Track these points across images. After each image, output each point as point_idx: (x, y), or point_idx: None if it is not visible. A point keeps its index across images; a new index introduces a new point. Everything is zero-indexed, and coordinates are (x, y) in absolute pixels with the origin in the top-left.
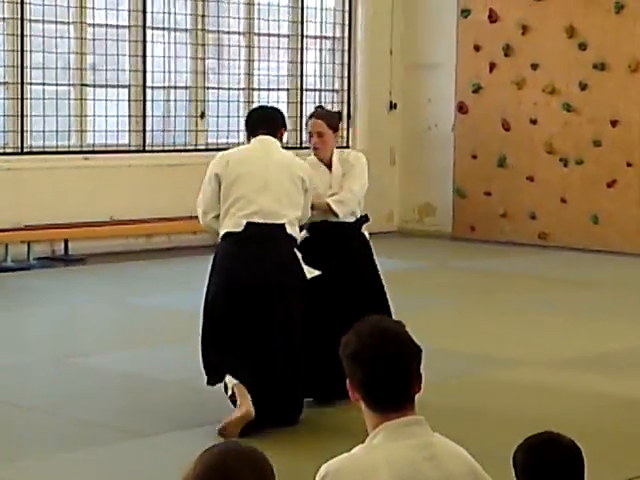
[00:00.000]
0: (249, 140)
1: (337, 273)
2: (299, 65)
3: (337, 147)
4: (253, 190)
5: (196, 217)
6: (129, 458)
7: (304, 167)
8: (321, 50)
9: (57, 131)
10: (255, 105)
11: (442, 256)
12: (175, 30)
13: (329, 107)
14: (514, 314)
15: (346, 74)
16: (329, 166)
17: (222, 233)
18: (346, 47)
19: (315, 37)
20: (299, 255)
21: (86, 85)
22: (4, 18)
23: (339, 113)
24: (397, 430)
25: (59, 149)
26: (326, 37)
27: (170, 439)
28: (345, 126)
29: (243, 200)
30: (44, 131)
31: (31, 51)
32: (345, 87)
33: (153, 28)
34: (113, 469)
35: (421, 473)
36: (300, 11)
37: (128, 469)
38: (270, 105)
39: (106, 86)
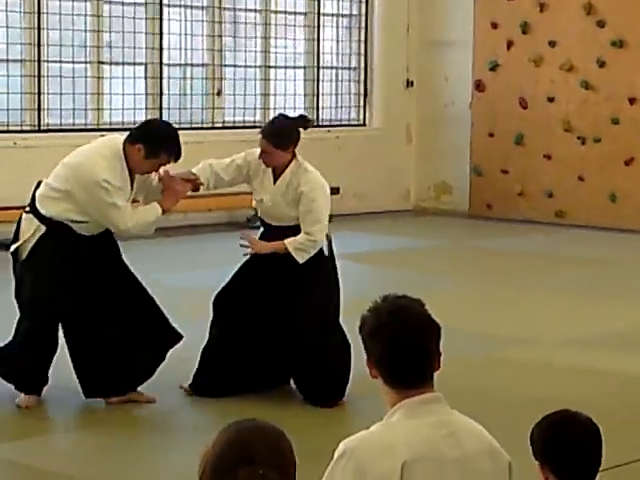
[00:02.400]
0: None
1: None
2: (316, 43)
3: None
4: None
5: (212, 195)
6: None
7: None
8: (338, 27)
9: (74, 109)
10: (271, 83)
11: (458, 235)
12: (192, 7)
13: (345, 85)
14: (531, 293)
15: (363, 51)
16: (276, 176)
17: None
18: (363, 24)
19: (332, 14)
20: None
21: (103, 63)
22: None
23: (300, 121)
24: (416, 407)
25: (76, 127)
26: (343, 15)
27: (197, 413)
28: (362, 104)
29: None
30: (61, 109)
31: (48, 29)
32: (362, 65)
33: (169, 5)
34: (120, 448)
35: (439, 450)
36: None
37: (143, 443)
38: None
39: (123, 64)
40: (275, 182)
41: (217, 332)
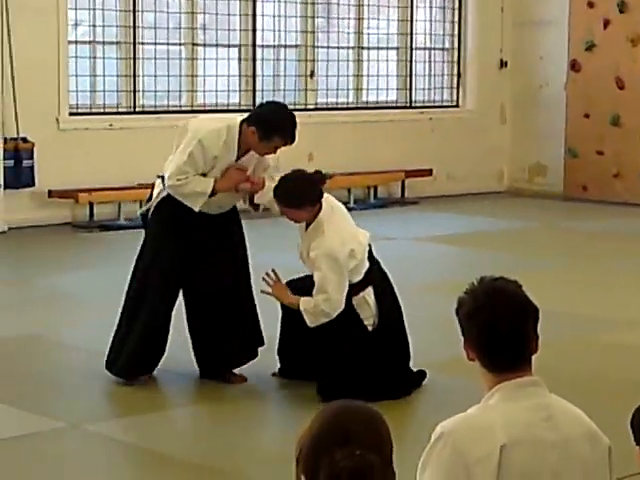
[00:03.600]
0: None
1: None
2: (409, 23)
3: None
4: None
5: None
6: (243, 414)
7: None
8: (431, 8)
9: (168, 91)
10: (364, 64)
11: (553, 216)
12: None
13: (439, 66)
14: (625, 275)
15: (456, 32)
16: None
17: None
18: (457, 5)
19: None
20: None
21: (197, 45)
22: None
23: (315, 177)
24: (513, 391)
25: (170, 109)
26: None
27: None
28: (455, 85)
29: None
30: (155, 91)
31: (143, 11)
32: (455, 45)
33: None
34: (228, 425)
35: (537, 434)
36: None
37: (239, 423)
38: None
39: (216, 45)
40: (307, 229)
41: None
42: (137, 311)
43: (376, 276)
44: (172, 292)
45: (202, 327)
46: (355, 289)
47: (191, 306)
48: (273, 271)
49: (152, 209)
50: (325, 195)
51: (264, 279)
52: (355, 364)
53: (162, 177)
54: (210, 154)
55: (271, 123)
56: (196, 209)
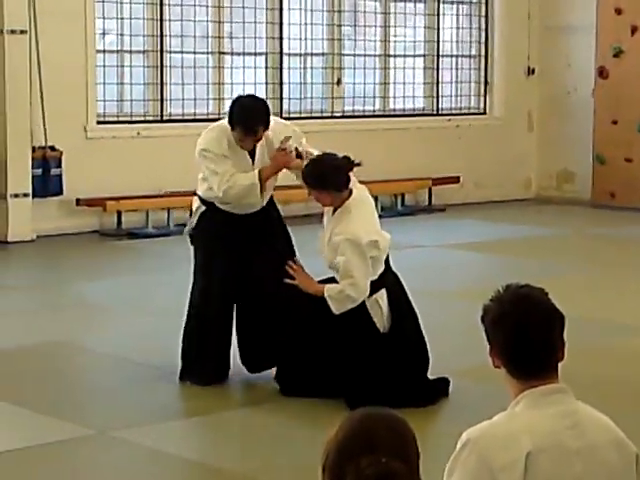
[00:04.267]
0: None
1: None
2: (436, 31)
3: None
4: None
5: None
6: (269, 419)
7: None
8: (458, 15)
9: (195, 99)
10: (391, 72)
11: (581, 223)
12: None
13: (465, 73)
14: None
15: (483, 39)
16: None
17: None
18: (483, 12)
19: (452, 2)
20: None
21: (224, 53)
22: None
23: (344, 162)
24: (540, 398)
25: (197, 117)
26: (463, 2)
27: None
28: (482, 92)
29: None
30: (183, 99)
31: (170, 20)
32: (482, 52)
33: None
34: (254, 431)
35: (563, 441)
36: None
37: (266, 430)
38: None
39: (243, 54)
40: (333, 214)
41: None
42: (204, 324)
43: (390, 281)
44: (232, 298)
45: (251, 329)
46: (369, 289)
47: (242, 309)
48: (295, 262)
49: (194, 226)
50: (361, 186)
51: (287, 270)
52: (369, 365)
53: (198, 195)
54: (221, 154)
55: (231, 117)
56: (258, 201)
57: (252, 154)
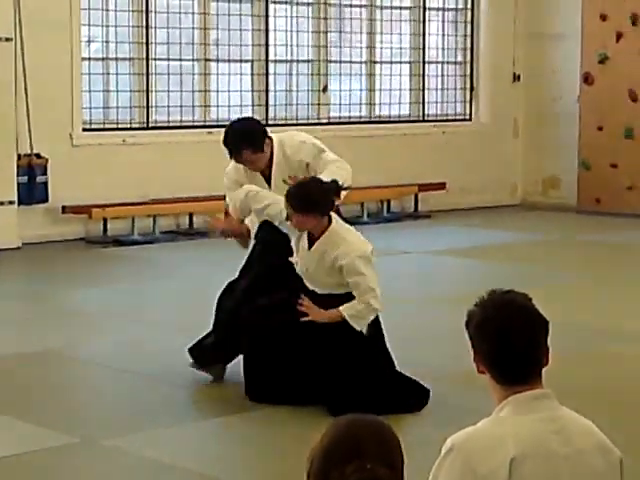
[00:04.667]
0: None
1: None
2: (421, 37)
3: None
4: None
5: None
6: (259, 427)
7: None
8: (443, 22)
9: (181, 106)
10: (377, 78)
11: (567, 229)
12: (297, 4)
13: (451, 80)
14: None
15: (469, 46)
16: (312, 241)
17: None
18: (469, 18)
19: (437, 9)
20: None
21: (209, 60)
22: None
23: (332, 187)
24: (524, 403)
25: (183, 124)
26: (448, 8)
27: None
28: (468, 98)
29: None
30: (168, 106)
31: (156, 27)
32: (468, 59)
33: (275, 2)
34: (240, 438)
35: (548, 447)
36: None
37: (257, 438)
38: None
39: (229, 61)
40: (310, 247)
41: None
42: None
43: None
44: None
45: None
46: None
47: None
48: (302, 297)
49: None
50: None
51: (299, 309)
52: (354, 371)
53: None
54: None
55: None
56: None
57: (268, 175)
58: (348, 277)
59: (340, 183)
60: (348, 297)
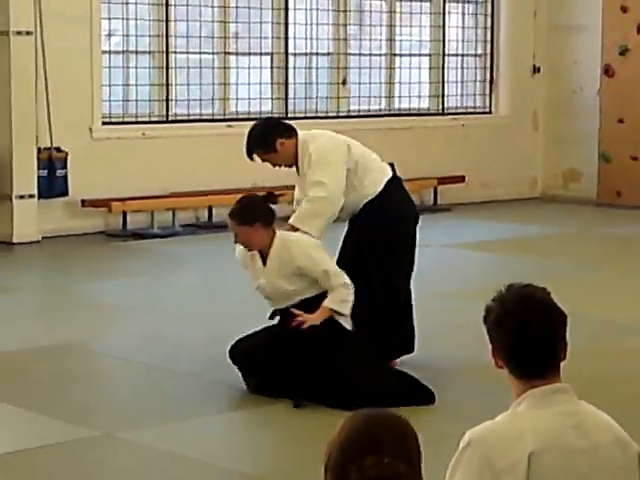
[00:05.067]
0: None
1: None
2: (441, 30)
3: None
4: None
5: None
6: (276, 421)
7: None
8: (464, 14)
9: (201, 99)
10: (396, 71)
11: (587, 222)
12: None
13: (471, 72)
14: None
15: (489, 38)
16: (265, 258)
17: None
18: (489, 11)
19: (457, 1)
20: None
21: (229, 53)
22: None
23: (267, 197)
24: (542, 398)
25: (203, 117)
26: (469, 1)
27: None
28: (488, 91)
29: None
30: (188, 99)
31: (176, 20)
32: (488, 51)
33: None
34: (259, 432)
35: (566, 441)
36: None
37: (267, 432)
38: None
39: (249, 54)
40: (265, 264)
41: None
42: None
43: None
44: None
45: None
46: None
47: None
48: (291, 311)
49: None
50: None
51: (294, 323)
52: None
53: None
54: None
55: None
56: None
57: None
58: (311, 274)
59: (274, 193)
60: (312, 301)
